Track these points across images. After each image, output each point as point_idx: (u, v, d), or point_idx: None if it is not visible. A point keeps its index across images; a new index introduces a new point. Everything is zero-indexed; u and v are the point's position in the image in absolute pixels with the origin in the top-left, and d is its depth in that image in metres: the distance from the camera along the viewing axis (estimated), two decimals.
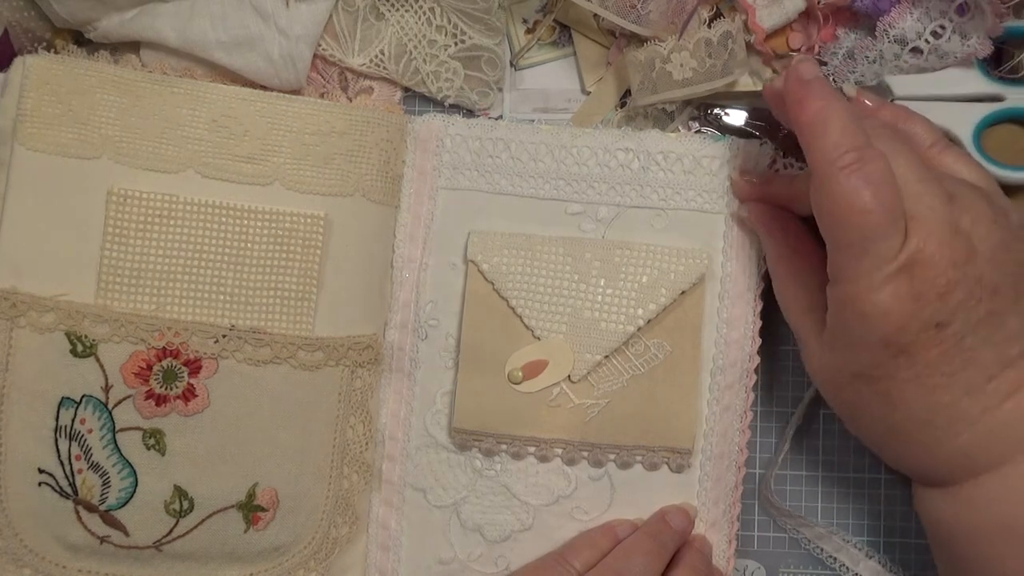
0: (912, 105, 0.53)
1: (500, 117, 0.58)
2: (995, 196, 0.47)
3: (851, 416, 0.49)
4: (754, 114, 0.56)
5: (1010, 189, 0.53)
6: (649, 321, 0.52)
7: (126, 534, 0.50)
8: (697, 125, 0.57)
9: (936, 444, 0.45)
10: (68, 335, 0.50)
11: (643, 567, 0.49)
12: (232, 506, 0.51)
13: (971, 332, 0.43)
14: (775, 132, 0.55)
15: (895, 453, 0.48)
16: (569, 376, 0.53)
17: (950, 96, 0.54)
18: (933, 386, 0.44)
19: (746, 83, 0.56)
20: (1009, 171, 0.52)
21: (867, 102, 0.50)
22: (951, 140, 0.53)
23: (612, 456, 0.53)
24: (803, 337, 0.50)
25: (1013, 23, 0.52)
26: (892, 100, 0.54)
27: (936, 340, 0.43)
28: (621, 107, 0.58)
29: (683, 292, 0.53)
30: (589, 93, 0.58)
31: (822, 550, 0.56)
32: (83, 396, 0.50)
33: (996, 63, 0.54)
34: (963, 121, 0.53)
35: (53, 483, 0.50)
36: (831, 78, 0.54)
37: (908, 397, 0.45)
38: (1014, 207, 0.49)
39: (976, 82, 0.54)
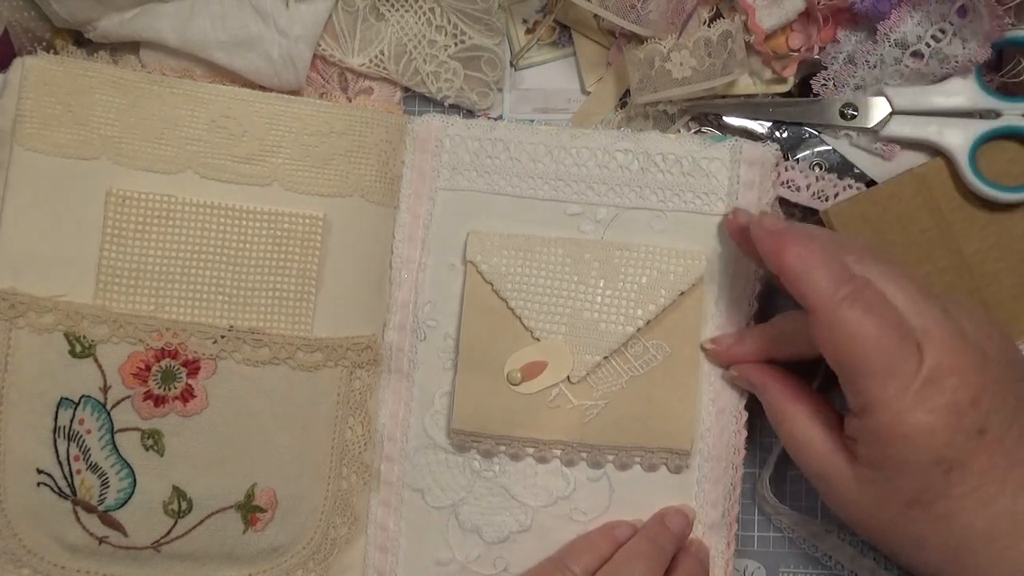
0: (909, 118, 0.54)
1: (500, 117, 0.58)
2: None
3: (907, 549, 0.46)
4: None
5: (1005, 208, 0.53)
6: (648, 322, 0.52)
7: (125, 534, 0.50)
8: (697, 124, 0.56)
9: (1001, 558, 0.43)
10: (67, 336, 0.50)
11: (644, 573, 0.49)
12: (231, 507, 0.51)
13: (1007, 432, 0.43)
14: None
15: None
16: (568, 377, 0.53)
17: (947, 109, 0.54)
18: (989, 496, 0.43)
19: (745, 84, 0.56)
20: (1007, 192, 0.53)
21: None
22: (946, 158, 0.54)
23: (611, 457, 0.53)
24: (832, 477, 0.47)
25: (1013, 34, 0.52)
26: (892, 113, 0.54)
27: (982, 447, 0.43)
28: (621, 107, 0.57)
29: (682, 293, 0.53)
30: (589, 93, 0.58)
31: (816, 548, 0.56)
32: (82, 397, 0.50)
33: (997, 71, 0.54)
34: (960, 138, 0.53)
35: (52, 483, 0.50)
36: (832, 83, 0.54)
37: (968, 512, 0.43)
38: (1010, 228, 0.49)
39: (974, 96, 0.53)
